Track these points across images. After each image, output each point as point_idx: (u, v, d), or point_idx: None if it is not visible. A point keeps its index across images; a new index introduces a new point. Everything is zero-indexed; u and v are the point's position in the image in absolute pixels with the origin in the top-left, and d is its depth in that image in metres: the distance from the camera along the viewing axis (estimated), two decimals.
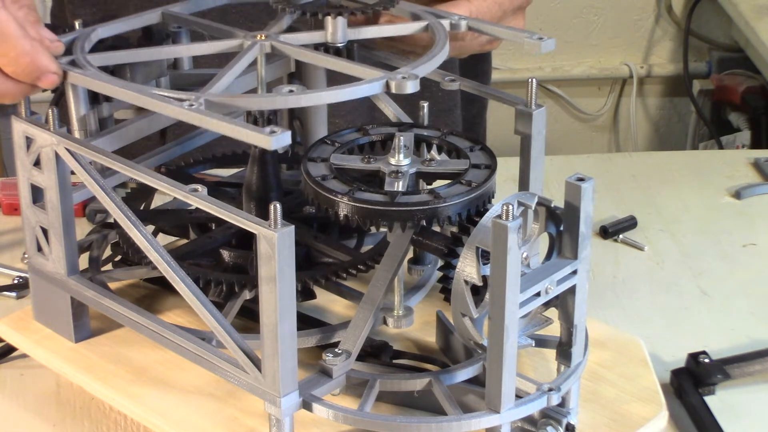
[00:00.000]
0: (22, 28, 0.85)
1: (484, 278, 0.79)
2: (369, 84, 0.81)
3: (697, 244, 1.17)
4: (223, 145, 0.98)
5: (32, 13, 0.88)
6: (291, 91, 0.80)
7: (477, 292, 0.81)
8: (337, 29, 0.88)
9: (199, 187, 0.79)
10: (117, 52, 0.90)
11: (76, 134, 0.88)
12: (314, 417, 0.82)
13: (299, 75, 0.98)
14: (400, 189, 0.84)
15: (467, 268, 0.79)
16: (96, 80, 0.84)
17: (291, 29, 0.93)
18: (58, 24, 0.99)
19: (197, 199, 0.79)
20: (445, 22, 0.93)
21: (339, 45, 0.89)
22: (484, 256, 0.79)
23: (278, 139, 0.73)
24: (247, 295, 0.90)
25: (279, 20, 0.93)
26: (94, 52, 0.90)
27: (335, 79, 0.88)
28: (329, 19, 0.88)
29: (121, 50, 0.91)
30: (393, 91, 0.81)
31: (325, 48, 0.89)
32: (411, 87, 0.81)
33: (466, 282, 0.79)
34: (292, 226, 0.76)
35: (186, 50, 0.90)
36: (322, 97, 0.81)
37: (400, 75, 0.81)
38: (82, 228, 1.01)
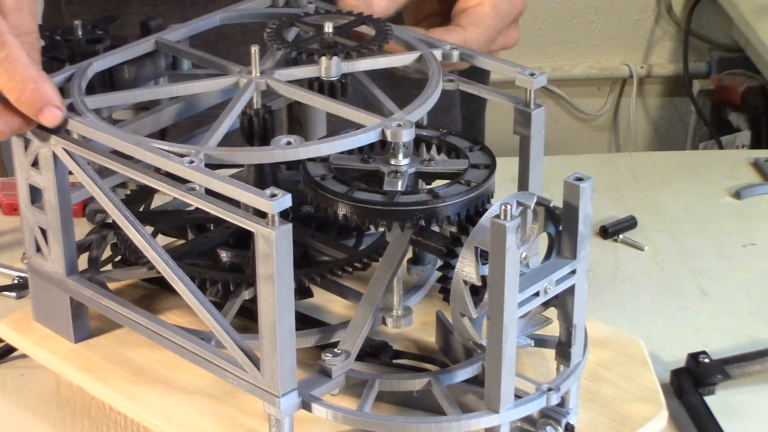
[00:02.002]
0: (30, 56, 0.83)
1: (483, 278, 0.79)
2: (365, 134, 0.82)
3: (697, 244, 1.17)
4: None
5: (34, 52, 0.87)
6: (289, 142, 0.81)
7: (476, 292, 0.81)
8: (330, 65, 0.89)
9: (196, 185, 0.79)
10: (117, 93, 0.90)
11: (74, 135, 0.88)
12: (314, 417, 0.82)
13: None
14: (399, 189, 0.84)
15: (466, 268, 0.79)
16: (97, 131, 0.83)
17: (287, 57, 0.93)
18: (55, 25, 0.99)
19: (194, 198, 0.79)
20: (437, 52, 0.93)
21: (333, 79, 0.89)
22: (483, 256, 0.79)
23: (279, 203, 0.74)
24: (245, 295, 0.90)
25: (273, 53, 0.93)
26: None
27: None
28: (324, 59, 0.89)
29: (121, 91, 0.91)
30: (389, 139, 0.83)
31: (320, 82, 0.90)
32: (406, 135, 0.82)
33: (465, 282, 0.79)
34: (290, 225, 0.76)
35: (183, 89, 0.90)
36: (320, 149, 0.82)
37: (395, 122, 0.83)
38: (82, 228, 1.01)
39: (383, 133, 0.82)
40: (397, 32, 0.94)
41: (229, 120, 0.84)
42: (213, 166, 0.80)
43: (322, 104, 0.87)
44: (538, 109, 0.89)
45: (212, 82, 0.89)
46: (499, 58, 0.93)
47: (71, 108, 0.86)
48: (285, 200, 0.75)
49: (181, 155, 0.80)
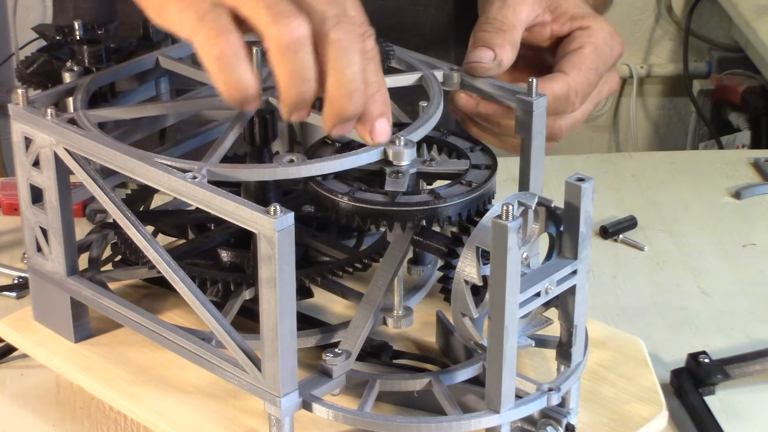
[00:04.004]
0: None
1: (484, 278, 0.79)
2: (367, 153, 0.83)
3: (697, 244, 1.17)
4: None
5: None
6: (291, 160, 0.81)
7: (477, 292, 0.81)
8: None
9: (198, 174, 0.79)
10: (120, 108, 0.90)
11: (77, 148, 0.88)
12: (314, 417, 0.82)
13: None
14: (400, 189, 0.84)
15: (467, 268, 0.79)
16: (100, 145, 0.83)
17: None
18: (63, 24, 0.99)
19: (197, 188, 0.78)
20: (438, 73, 0.93)
21: None
22: (484, 256, 0.79)
23: (281, 221, 0.74)
24: (246, 294, 0.90)
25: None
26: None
27: None
28: None
29: (124, 106, 0.91)
30: (391, 159, 0.83)
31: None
32: (408, 156, 0.83)
33: (466, 282, 0.79)
34: (293, 226, 0.76)
35: (189, 105, 0.90)
36: (323, 167, 0.82)
37: (397, 143, 0.83)
38: (82, 228, 1.01)
39: (385, 152, 0.83)
40: (399, 53, 0.95)
41: (232, 137, 0.84)
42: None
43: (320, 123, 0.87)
44: (539, 98, 0.89)
45: (215, 99, 0.89)
46: (498, 81, 0.92)
47: (72, 122, 0.86)
48: (287, 219, 0.75)
49: (184, 171, 0.80)
